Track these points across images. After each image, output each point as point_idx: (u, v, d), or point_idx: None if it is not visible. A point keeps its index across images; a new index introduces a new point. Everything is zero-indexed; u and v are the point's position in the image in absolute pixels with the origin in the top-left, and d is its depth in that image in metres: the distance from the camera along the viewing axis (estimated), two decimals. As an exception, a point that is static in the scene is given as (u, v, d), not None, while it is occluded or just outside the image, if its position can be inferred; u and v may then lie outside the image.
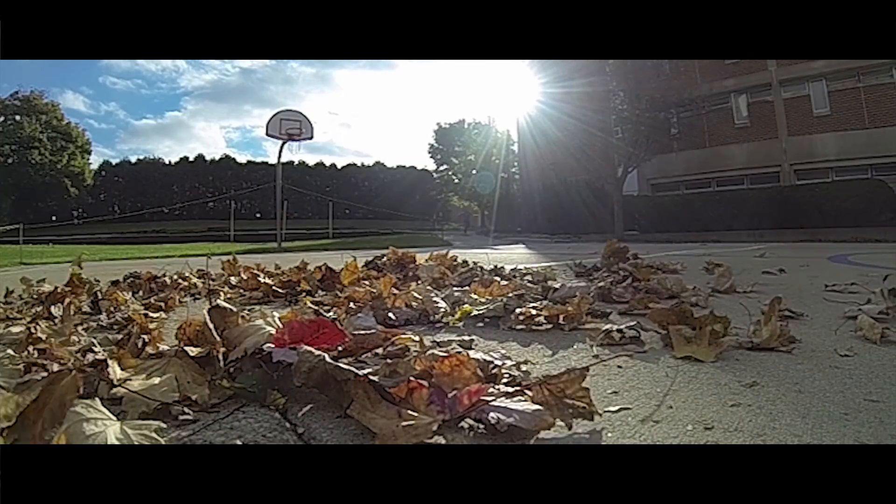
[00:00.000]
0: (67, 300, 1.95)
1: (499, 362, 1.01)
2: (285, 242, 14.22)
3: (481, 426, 0.79)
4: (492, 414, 0.77)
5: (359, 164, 48.95)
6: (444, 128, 41.21)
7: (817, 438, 0.75)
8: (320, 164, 47.33)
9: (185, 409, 0.86)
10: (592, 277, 2.80)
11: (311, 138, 14.89)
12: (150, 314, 1.87)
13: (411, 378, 0.84)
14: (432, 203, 42.91)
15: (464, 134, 40.13)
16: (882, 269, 3.61)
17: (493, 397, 0.82)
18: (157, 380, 0.93)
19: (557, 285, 2.15)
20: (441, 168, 42.01)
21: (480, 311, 1.70)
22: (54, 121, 37.77)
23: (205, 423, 0.83)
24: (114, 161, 45.44)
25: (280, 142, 14.43)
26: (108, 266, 6.20)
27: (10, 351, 1.22)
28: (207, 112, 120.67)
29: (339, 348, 1.12)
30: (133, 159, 45.41)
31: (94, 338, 1.28)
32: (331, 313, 1.68)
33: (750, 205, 14.69)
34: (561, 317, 1.60)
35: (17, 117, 36.40)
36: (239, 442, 0.76)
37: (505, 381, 0.95)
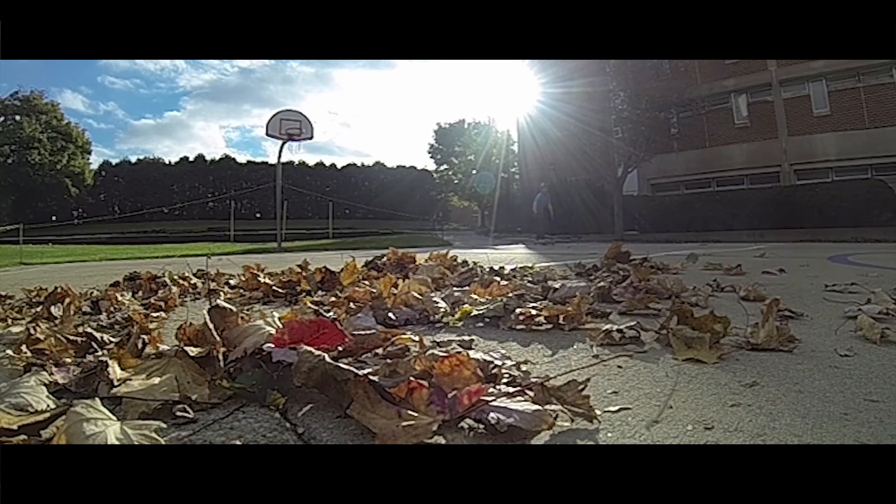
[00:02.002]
0: (67, 300, 1.95)
1: (499, 362, 1.01)
2: (285, 242, 14.21)
3: (481, 426, 0.79)
4: (492, 414, 0.77)
5: (359, 164, 49.02)
6: (444, 128, 41.21)
7: (817, 438, 0.75)
8: (320, 164, 47.36)
9: (186, 409, 0.86)
10: (592, 277, 2.80)
11: (311, 138, 14.86)
12: (151, 314, 1.87)
13: (411, 378, 0.84)
14: (432, 203, 42.93)
15: (464, 134, 40.13)
16: (882, 269, 3.61)
17: (493, 397, 0.82)
18: (157, 380, 0.93)
19: (557, 285, 2.15)
20: (441, 168, 42.03)
21: (480, 311, 1.70)
22: (54, 121, 37.79)
23: (205, 423, 0.83)
24: (114, 161, 45.53)
25: (280, 142, 14.42)
26: (108, 266, 6.20)
27: (9, 351, 1.22)
28: (207, 112, 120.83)
29: (339, 348, 1.12)
30: (133, 159, 45.49)
31: (94, 338, 1.28)
32: (331, 313, 1.68)
33: (750, 205, 14.69)
34: (561, 317, 1.60)
35: (17, 117, 36.42)
36: (239, 442, 0.76)
37: (505, 381, 0.95)
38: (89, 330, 1.35)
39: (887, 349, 1.27)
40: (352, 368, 0.87)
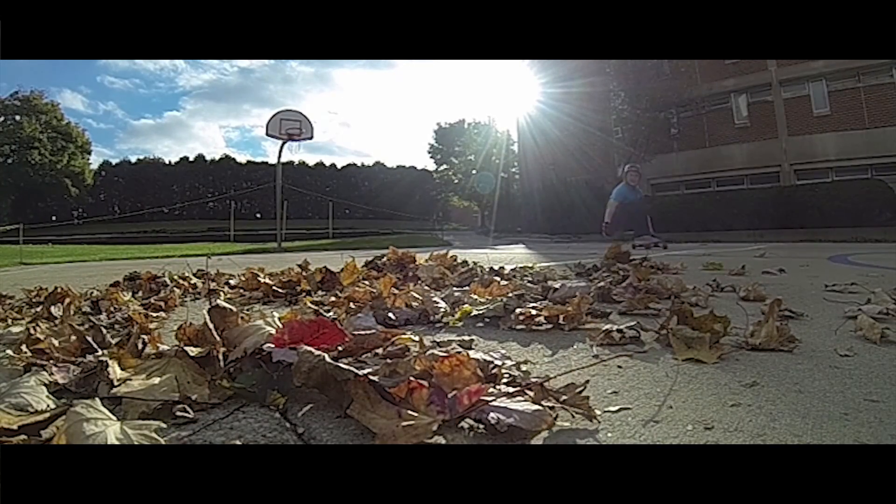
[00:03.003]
0: (67, 300, 1.95)
1: (499, 362, 1.00)
2: (285, 242, 14.22)
3: (481, 426, 0.79)
4: (492, 414, 0.77)
5: (359, 164, 49.26)
6: (444, 128, 41.25)
7: (817, 438, 0.75)
8: (320, 164, 47.49)
9: (186, 409, 0.86)
10: (592, 277, 2.80)
11: (311, 138, 14.87)
12: (151, 314, 1.87)
13: (411, 378, 0.84)
14: (432, 203, 42.96)
15: (464, 134, 40.16)
16: (882, 269, 3.61)
17: (493, 397, 0.82)
18: (157, 380, 0.93)
19: (557, 285, 2.15)
20: (441, 168, 42.07)
21: (480, 311, 1.70)
22: (54, 121, 37.84)
23: (205, 423, 0.83)
24: (113, 161, 45.68)
25: (280, 142, 14.41)
26: (108, 266, 6.20)
27: (9, 351, 1.22)
28: (206, 112, 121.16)
29: (339, 348, 1.12)
30: (133, 159, 45.66)
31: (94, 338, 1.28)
32: (331, 313, 1.68)
33: (750, 205, 14.69)
34: (561, 317, 1.60)
35: (17, 117, 36.46)
36: (239, 442, 0.76)
37: (505, 381, 0.95)
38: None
39: (887, 349, 1.27)
40: (352, 368, 0.87)
